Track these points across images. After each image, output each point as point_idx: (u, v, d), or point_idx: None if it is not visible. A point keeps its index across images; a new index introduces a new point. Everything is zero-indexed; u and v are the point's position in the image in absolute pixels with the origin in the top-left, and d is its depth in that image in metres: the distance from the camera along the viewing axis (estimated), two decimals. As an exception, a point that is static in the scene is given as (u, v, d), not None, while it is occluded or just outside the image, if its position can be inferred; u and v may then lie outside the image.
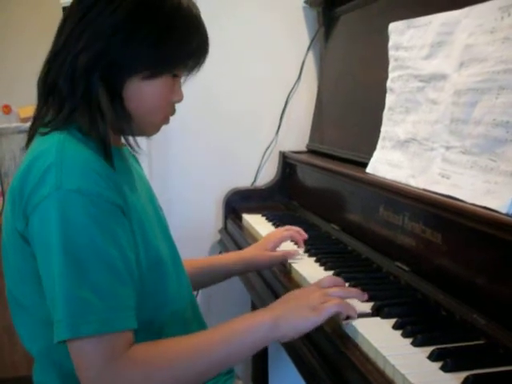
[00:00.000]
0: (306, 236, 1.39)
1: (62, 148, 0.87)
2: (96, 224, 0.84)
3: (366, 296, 1.02)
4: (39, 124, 0.95)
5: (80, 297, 0.82)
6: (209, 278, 1.31)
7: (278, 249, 1.35)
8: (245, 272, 1.38)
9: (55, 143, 0.88)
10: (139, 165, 1.17)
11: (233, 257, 1.35)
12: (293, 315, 0.91)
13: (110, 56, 0.90)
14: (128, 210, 0.92)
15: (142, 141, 1.05)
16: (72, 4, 0.94)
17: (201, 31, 0.97)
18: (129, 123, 0.95)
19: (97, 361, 0.82)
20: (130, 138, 1.00)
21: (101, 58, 0.89)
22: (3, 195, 1.98)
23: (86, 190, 0.84)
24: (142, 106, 0.95)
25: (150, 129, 1.01)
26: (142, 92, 0.94)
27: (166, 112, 1.00)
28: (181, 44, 0.94)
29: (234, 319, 0.93)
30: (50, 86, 0.94)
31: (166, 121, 1.01)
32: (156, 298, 0.95)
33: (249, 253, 1.35)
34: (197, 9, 0.97)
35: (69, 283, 0.82)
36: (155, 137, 1.03)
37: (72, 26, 0.91)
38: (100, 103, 0.91)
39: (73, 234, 0.83)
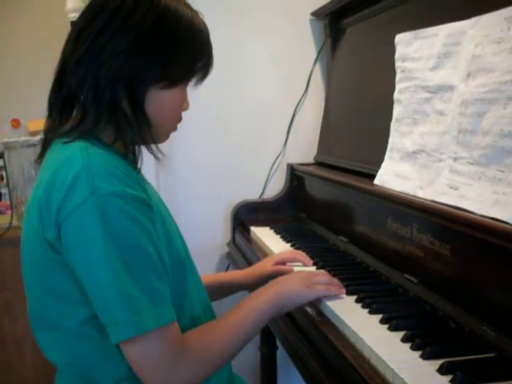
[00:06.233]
0: (310, 262, 1.39)
1: (87, 154, 0.88)
2: (135, 224, 0.86)
3: (343, 291, 1.16)
4: (55, 134, 0.97)
5: (132, 296, 0.84)
6: (217, 294, 1.34)
7: None
8: (250, 287, 1.38)
9: (78, 150, 0.89)
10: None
11: (238, 274, 1.40)
12: (291, 291, 1.08)
13: (132, 68, 0.93)
14: (153, 209, 0.94)
15: (149, 156, 1.06)
16: (84, 17, 0.96)
17: (210, 44, 1.02)
18: (149, 131, 0.97)
19: (165, 355, 0.87)
20: (152, 145, 1.02)
21: (123, 71, 0.92)
22: (12, 208, 1.99)
23: (120, 191, 0.85)
24: (160, 114, 0.98)
25: (163, 137, 1.04)
26: (160, 100, 0.97)
27: (178, 120, 1.05)
28: (195, 57, 0.99)
29: (243, 300, 1.04)
30: (66, 97, 0.96)
31: (175, 128, 1.06)
32: (177, 302, 0.96)
33: (253, 268, 1.40)
34: (204, 23, 1.02)
35: (121, 284, 0.84)
36: (163, 149, 1.04)
37: (91, 38, 0.92)
38: (125, 112, 0.94)
39: (117, 237, 0.84)
